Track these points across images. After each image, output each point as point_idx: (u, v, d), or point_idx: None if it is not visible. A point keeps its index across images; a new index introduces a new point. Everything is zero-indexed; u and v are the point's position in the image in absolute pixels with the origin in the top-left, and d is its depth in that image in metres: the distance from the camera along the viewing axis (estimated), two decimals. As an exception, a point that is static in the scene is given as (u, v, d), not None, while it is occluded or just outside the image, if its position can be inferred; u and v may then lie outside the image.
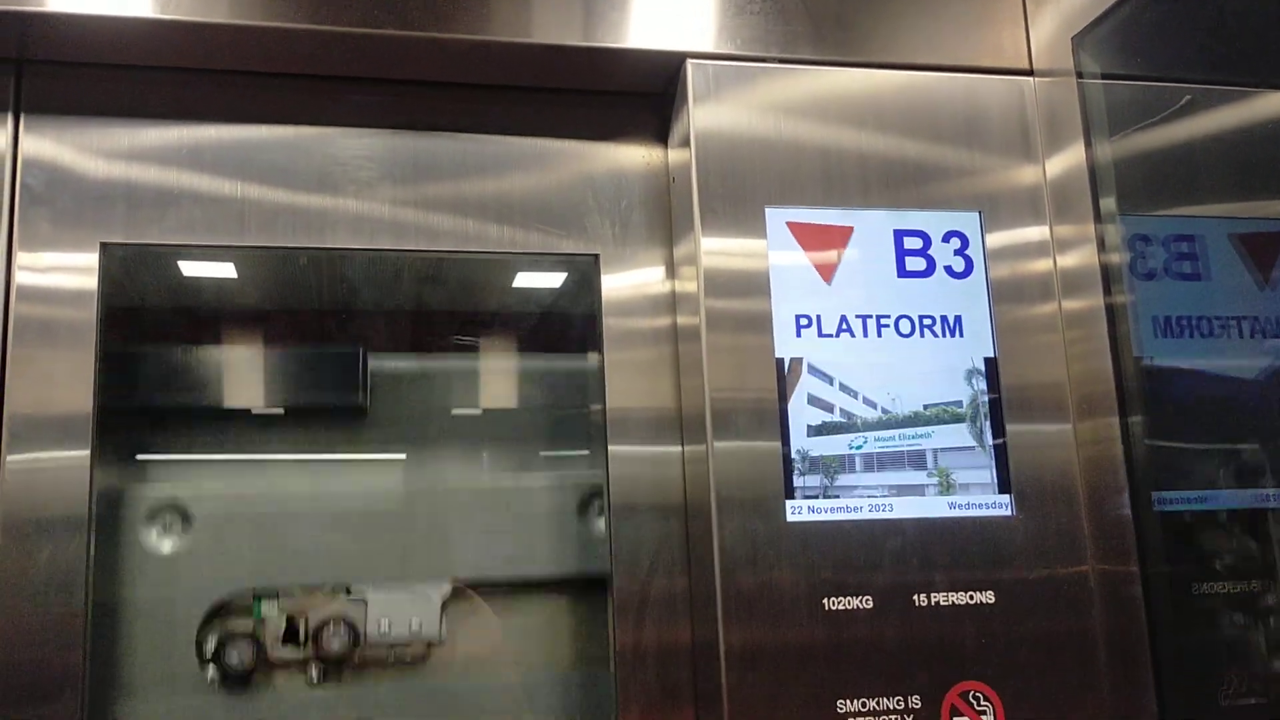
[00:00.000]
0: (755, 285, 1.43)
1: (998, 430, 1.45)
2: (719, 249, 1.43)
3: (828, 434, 1.40)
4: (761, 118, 1.48)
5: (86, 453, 1.34)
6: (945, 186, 1.52)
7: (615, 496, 1.47)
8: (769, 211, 1.44)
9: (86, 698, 1.30)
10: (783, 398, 1.40)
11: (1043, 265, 1.52)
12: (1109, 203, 1.49)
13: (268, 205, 1.46)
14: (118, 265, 1.43)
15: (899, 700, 1.34)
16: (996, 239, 1.51)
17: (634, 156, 1.58)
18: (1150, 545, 1.39)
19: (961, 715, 1.35)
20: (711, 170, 1.45)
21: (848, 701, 1.33)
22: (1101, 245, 1.45)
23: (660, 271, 1.55)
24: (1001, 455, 1.44)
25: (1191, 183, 1.60)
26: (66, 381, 1.35)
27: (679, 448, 1.49)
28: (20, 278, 1.38)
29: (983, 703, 1.35)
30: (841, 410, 1.41)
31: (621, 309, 1.53)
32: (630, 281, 1.54)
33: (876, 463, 1.41)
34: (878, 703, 1.34)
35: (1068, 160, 1.53)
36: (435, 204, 1.51)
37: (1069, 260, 1.51)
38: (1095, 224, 1.47)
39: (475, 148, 1.53)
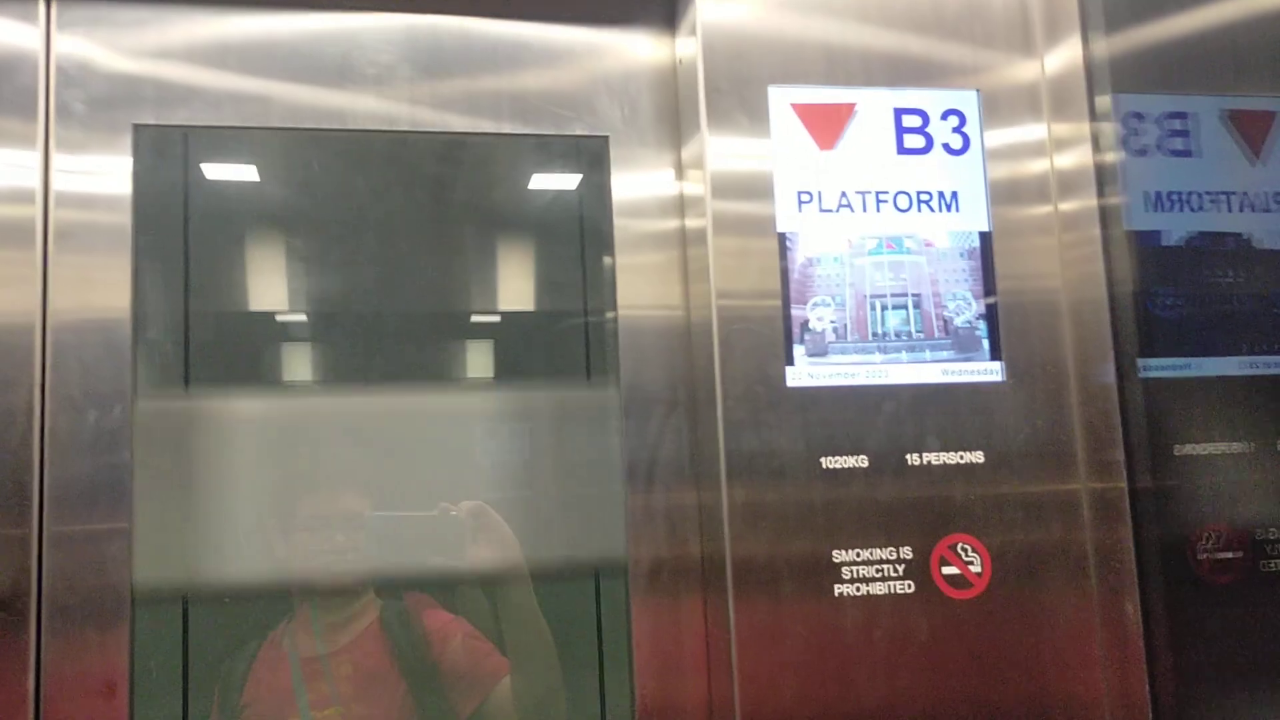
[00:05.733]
0: (759, 166, 1.49)
1: (990, 297, 1.51)
2: (724, 126, 1.48)
3: (826, 304, 1.47)
4: (766, 1, 1.52)
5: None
6: (945, 66, 1.56)
7: (625, 368, 1.55)
8: (772, 90, 1.49)
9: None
10: (785, 270, 1.47)
11: (1037, 135, 1.56)
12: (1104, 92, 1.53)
13: (291, 87, 1.52)
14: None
15: (891, 551, 1.43)
16: (993, 116, 1.56)
17: (642, 42, 1.63)
18: (1133, 410, 1.47)
19: (950, 564, 1.44)
20: (717, 47, 1.49)
21: (843, 552, 1.42)
22: (1093, 114, 1.50)
23: (670, 157, 1.60)
24: (993, 324, 1.50)
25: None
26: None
27: (684, 313, 1.56)
28: (57, 162, 1.45)
29: (970, 554, 1.44)
30: (840, 281, 1.48)
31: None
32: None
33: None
34: (871, 553, 1.43)
35: (1066, 47, 1.57)
36: (449, 87, 1.56)
37: (1063, 130, 1.55)
38: (1091, 117, 1.52)
39: (487, 32, 1.58)
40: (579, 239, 1.91)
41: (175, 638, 1.64)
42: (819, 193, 1.49)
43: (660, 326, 1.58)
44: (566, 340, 1.96)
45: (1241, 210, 1.55)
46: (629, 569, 1.52)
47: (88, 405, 1.40)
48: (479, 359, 2.00)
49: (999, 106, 1.56)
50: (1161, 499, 1.46)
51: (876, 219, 1.50)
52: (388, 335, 1.93)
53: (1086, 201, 1.50)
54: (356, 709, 1.67)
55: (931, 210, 1.51)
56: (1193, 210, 1.54)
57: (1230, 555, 1.48)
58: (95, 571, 1.37)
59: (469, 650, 1.71)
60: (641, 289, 1.58)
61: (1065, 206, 1.53)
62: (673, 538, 1.53)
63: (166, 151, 1.60)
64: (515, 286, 2.04)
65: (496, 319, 2.05)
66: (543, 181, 1.96)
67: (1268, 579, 1.48)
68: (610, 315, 1.59)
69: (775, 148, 1.48)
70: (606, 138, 1.58)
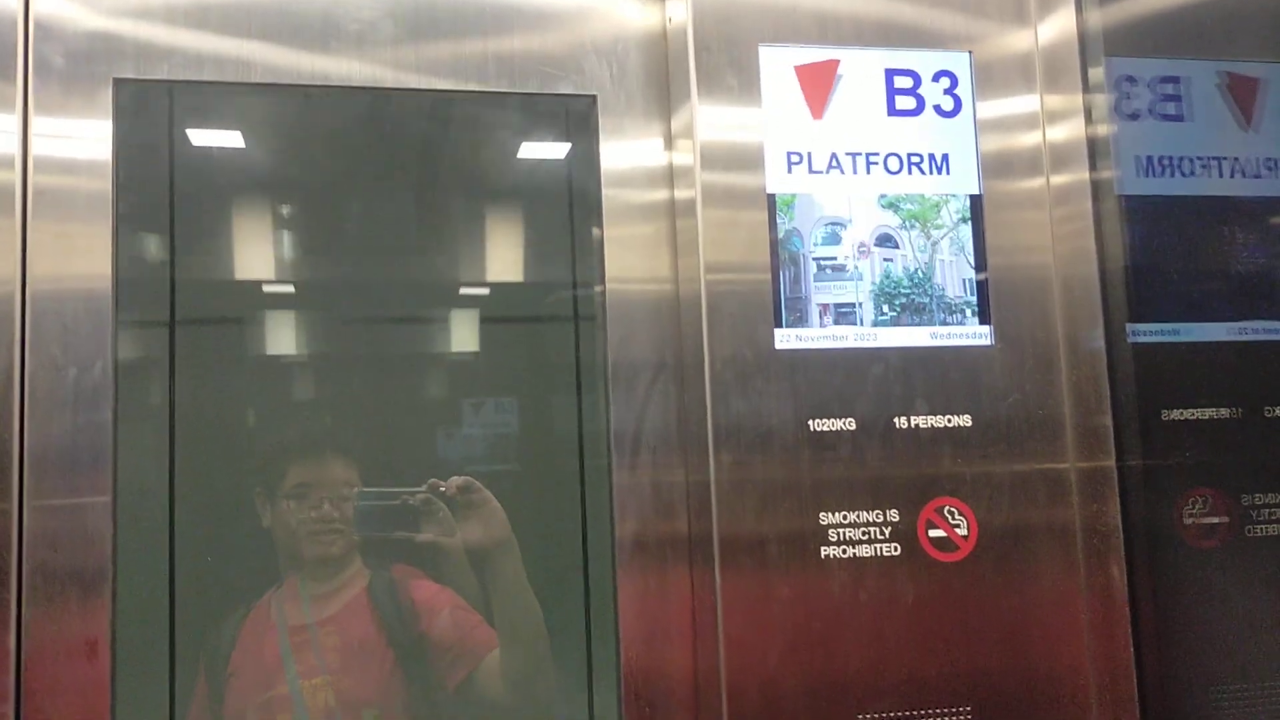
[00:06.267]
0: (749, 131, 1.48)
1: (980, 264, 1.50)
2: (713, 88, 1.47)
3: (816, 266, 1.47)
4: (757, -41, 1.51)
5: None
6: (938, 33, 1.55)
7: (612, 327, 1.54)
8: (763, 50, 1.48)
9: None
10: (774, 232, 1.46)
11: (1029, 99, 1.55)
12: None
13: (273, 45, 1.50)
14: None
15: (878, 514, 1.43)
16: (986, 85, 1.55)
17: (630, 3, 1.61)
18: (1122, 375, 1.47)
19: (936, 528, 1.44)
20: (707, 7, 1.48)
21: (830, 514, 1.42)
22: (1087, 86, 1.50)
23: (659, 127, 1.59)
24: (983, 287, 1.50)
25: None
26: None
27: (673, 286, 1.55)
28: (36, 126, 1.43)
29: (957, 517, 1.44)
30: (829, 244, 1.48)
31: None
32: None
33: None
34: (858, 515, 1.43)
35: (1060, 16, 1.56)
36: (434, 44, 1.54)
37: (1056, 102, 1.55)
38: (1084, 89, 1.52)
39: (474, -10, 1.57)
40: (567, 209, 1.90)
41: (161, 596, 1.63)
42: (809, 154, 1.48)
43: (648, 299, 1.56)
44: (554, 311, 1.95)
45: (1233, 175, 1.54)
46: (615, 538, 1.52)
47: (68, 364, 1.38)
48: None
49: (992, 76, 1.55)
50: (1148, 464, 1.47)
51: (867, 180, 1.49)
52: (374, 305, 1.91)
53: (1078, 173, 1.50)
54: (344, 679, 1.67)
55: (922, 172, 1.51)
56: (1184, 175, 1.53)
57: (1216, 520, 1.48)
58: (77, 530, 1.36)
59: (457, 622, 1.71)
60: (630, 260, 1.56)
61: (1056, 176, 1.53)
62: (659, 504, 1.52)
63: (147, 109, 1.57)
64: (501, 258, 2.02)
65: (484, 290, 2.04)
66: (531, 150, 1.94)
67: (1253, 544, 1.49)
68: (598, 289, 1.58)
69: (765, 108, 1.47)
70: (594, 97, 1.56)
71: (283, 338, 1.91)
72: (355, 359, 1.85)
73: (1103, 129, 1.51)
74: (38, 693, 1.34)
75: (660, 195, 1.58)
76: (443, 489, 1.64)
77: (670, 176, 1.58)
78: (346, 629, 1.69)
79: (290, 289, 1.91)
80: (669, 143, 1.58)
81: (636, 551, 1.51)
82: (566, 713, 1.66)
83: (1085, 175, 1.50)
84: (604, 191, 1.57)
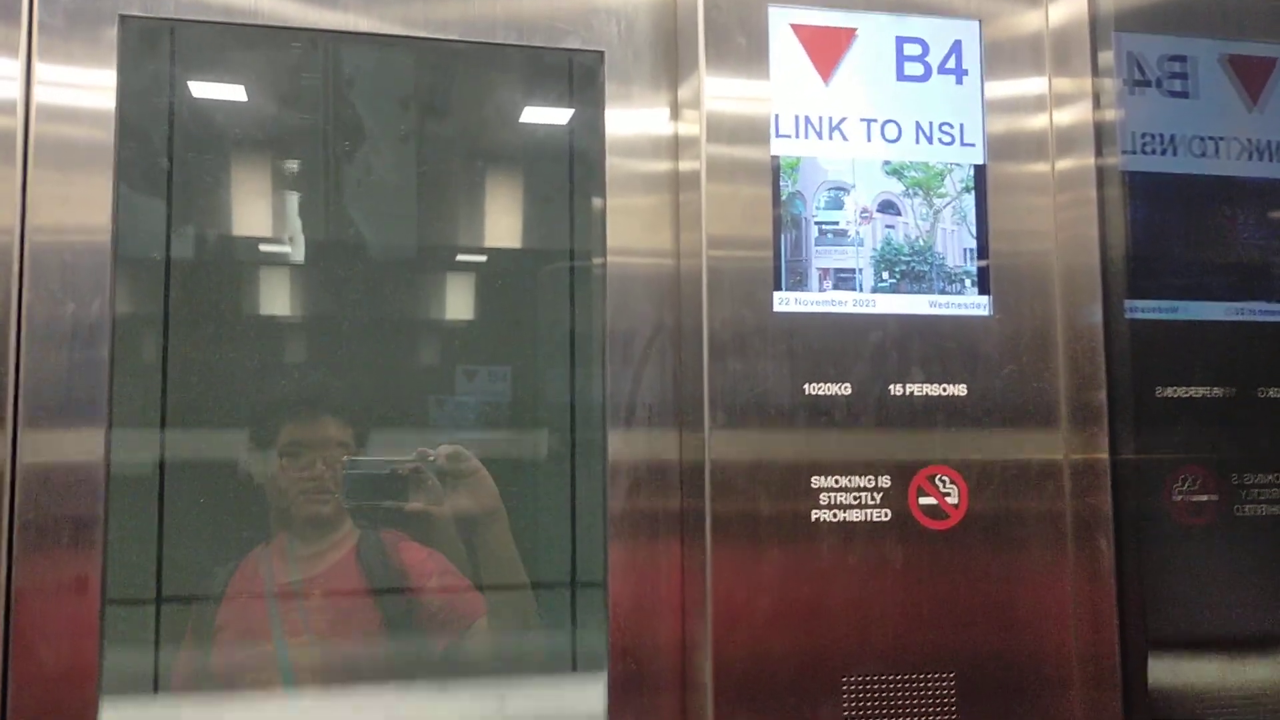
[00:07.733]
0: (757, 99, 1.47)
1: (981, 235, 1.50)
2: (722, 49, 1.47)
3: (817, 230, 1.47)
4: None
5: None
6: (949, 6, 1.54)
7: (612, 300, 1.53)
8: (772, 10, 1.47)
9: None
10: (776, 194, 1.45)
11: (1037, 88, 1.55)
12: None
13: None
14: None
15: (869, 479, 1.43)
16: (993, 53, 1.54)
17: (640, -40, 1.60)
18: (1117, 350, 1.47)
19: (927, 495, 1.44)
20: (717, -36, 1.47)
21: (822, 478, 1.43)
22: (1095, 70, 1.50)
23: (666, 96, 1.58)
24: (984, 256, 1.50)
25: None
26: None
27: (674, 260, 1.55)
28: (40, 73, 1.41)
29: (948, 485, 1.45)
30: (832, 208, 1.47)
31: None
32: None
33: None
34: (850, 480, 1.43)
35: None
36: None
37: (1064, 85, 1.54)
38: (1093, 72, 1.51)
39: (484, -58, 1.55)
40: (568, 176, 1.89)
41: (150, 532, 1.63)
42: (816, 118, 1.48)
43: (649, 272, 1.54)
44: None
45: (1238, 156, 1.55)
46: (606, 497, 1.51)
47: (66, 299, 1.38)
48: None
49: (1001, 53, 1.54)
50: (1140, 440, 1.47)
51: (871, 146, 1.49)
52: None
53: (1084, 155, 1.50)
54: (330, 638, 1.67)
55: (928, 140, 1.50)
56: (1189, 155, 1.53)
57: (1205, 498, 1.49)
58: (69, 466, 1.36)
59: (446, 587, 1.71)
60: (631, 232, 1.55)
61: (1061, 158, 1.53)
62: (651, 465, 1.52)
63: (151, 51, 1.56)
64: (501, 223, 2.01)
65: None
66: (535, 115, 1.93)
67: (1241, 523, 1.50)
68: (598, 261, 1.57)
69: (773, 70, 1.47)
70: (601, 53, 1.55)
71: (278, 295, 1.90)
72: (352, 317, 1.85)
73: (1110, 114, 1.51)
74: (27, 630, 1.34)
75: (664, 166, 1.57)
76: (431, 457, 1.64)
77: (675, 147, 1.57)
78: (333, 589, 1.69)
79: (285, 247, 1.91)
80: (675, 112, 1.57)
81: (627, 510, 1.51)
82: (551, 676, 1.67)
83: (1091, 160, 1.50)
84: (608, 159, 1.56)
